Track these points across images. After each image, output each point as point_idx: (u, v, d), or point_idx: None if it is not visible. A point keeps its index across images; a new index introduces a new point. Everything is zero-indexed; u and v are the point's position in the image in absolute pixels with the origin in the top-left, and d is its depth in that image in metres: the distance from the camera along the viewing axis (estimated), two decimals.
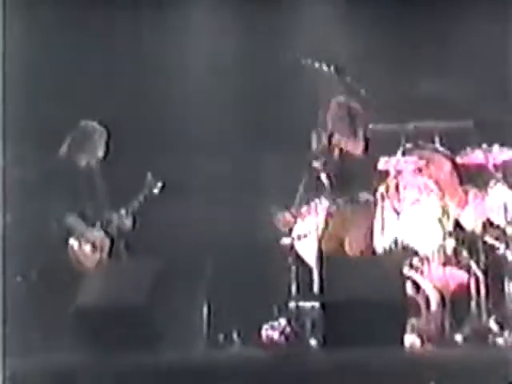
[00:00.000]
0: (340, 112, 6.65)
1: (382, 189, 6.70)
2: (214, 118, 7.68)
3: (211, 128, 7.67)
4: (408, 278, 6.36)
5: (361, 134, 6.66)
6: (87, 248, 6.55)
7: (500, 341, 6.10)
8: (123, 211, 6.82)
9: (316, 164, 6.63)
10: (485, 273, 6.38)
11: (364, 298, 5.33)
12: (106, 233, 6.69)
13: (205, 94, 7.75)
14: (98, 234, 6.63)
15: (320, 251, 6.46)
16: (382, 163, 6.60)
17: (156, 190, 6.91)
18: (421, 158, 6.74)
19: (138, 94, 7.73)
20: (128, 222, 6.82)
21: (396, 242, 6.60)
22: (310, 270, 6.55)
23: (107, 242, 6.70)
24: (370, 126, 6.80)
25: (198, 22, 7.91)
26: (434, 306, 6.38)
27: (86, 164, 6.79)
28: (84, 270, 6.41)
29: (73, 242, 6.50)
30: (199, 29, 7.92)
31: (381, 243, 6.59)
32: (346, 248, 6.52)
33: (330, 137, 6.60)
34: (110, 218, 6.76)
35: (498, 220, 6.52)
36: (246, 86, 7.71)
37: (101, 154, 6.83)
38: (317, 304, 5.89)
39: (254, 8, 7.63)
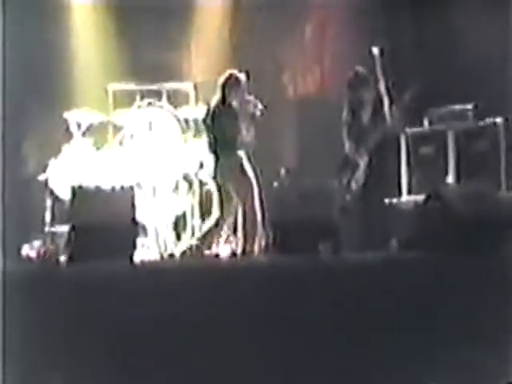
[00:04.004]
0: None
1: (119, 136, 7.56)
2: None
3: None
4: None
5: None
6: None
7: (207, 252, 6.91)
8: None
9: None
10: (199, 203, 7.57)
11: (104, 222, 5.81)
12: None
13: None
14: None
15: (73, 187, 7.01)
16: (118, 115, 7.46)
17: None
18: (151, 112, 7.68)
19: None
20: None
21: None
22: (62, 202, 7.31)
23: None
24: (111, 87, 7.56)
25: None
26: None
27: None
28: None
29: None
30: None
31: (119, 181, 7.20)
32: None
33: None
34: None
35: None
36: None
37: None
38: (67, 228, 6.30)
39: None
